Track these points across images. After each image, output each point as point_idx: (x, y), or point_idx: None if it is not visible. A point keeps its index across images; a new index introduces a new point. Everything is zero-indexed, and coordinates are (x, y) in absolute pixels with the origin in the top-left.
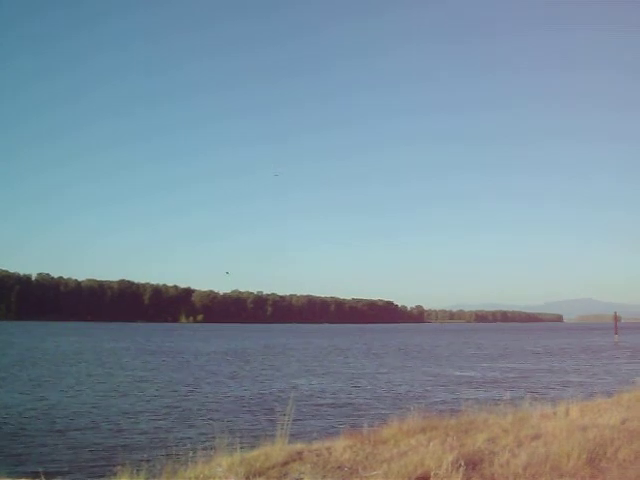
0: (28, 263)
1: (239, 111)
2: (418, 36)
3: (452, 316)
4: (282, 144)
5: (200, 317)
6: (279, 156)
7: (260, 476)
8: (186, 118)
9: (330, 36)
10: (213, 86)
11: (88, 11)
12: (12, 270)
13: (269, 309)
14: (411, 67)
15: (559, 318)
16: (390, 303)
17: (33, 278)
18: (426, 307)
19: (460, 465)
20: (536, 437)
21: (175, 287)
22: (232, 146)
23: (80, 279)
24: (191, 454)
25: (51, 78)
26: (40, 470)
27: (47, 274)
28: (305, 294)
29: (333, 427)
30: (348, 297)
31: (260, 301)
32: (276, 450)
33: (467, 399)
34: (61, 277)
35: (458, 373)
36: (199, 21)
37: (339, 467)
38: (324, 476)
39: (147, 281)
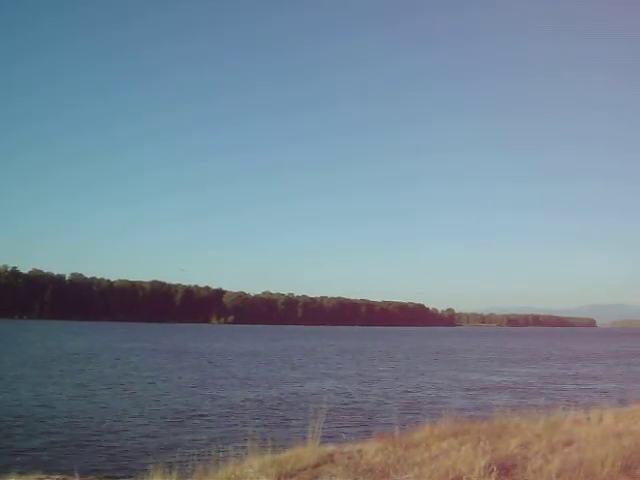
0: (62, 263)
1: (272, 111)
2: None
3: (483, 319)
4: (313, 145)
5: (231, 318)
6: (313, 157)
7: (291, 478)
8: (229, 114)
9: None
10: (230, 88)
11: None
12: (46, 270)
13: (300, 311)
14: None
15: (592, 322)
16: (421, 306)
17: (66, 278)
18: (457, 310)
19: (492, 470)
20: (569, 443)
21: (206, 288)
22: (264, 147)
23: (112, 279)
24: (222, 455)
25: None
26: (74, 468)
27: (80, 274)
28: (336, 296)
29: (364, 429)
30: (379, 299)
31: (291, 303)
32: (307, 452)
33: (498, 404)
34: (94, 277)
35: (488, 377)
36: (195, 26)
37: (370, 470)
38: (355, 479)
39: (179, 282)
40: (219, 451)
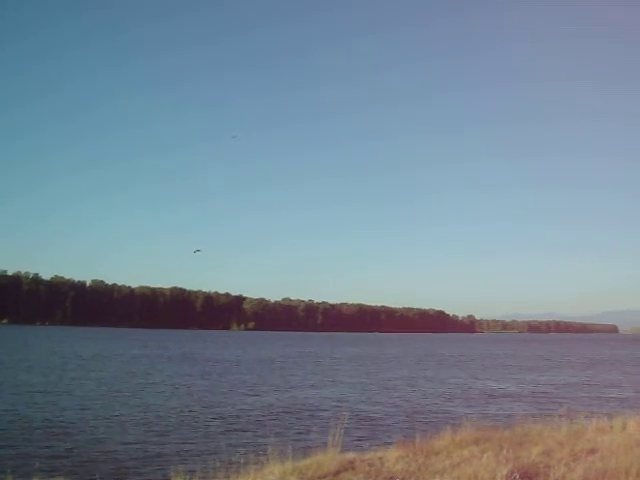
0: (82, 269)
1: (288, 118)
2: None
3: (504, 326)
4: (333, 151)
5: (251, 325)
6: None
7: None
8: (244, 121)
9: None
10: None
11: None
12: (67, 276)
13: (320, 317)
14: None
15: (614, 329)
16: (441, 312)
17: (88, 284)
18: (478, 317)
19: (515, 478)
20: (592, 451)
21: (227, 295)
22: (287, 154)
23: (133, 286)
24: (243, 461)
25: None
26: (96, 475)
27: (101, 281)
28: (356, 303)
29: (385, 436)
30: (399, 306)
31: (311, 309)
32: (328, 459)
33: (519, 411)
34: (115, 284)
35: (508, 385)
36: (197, 37)
37: (391, 478)
38: None
39: (199, 288)
40: (240, 457)
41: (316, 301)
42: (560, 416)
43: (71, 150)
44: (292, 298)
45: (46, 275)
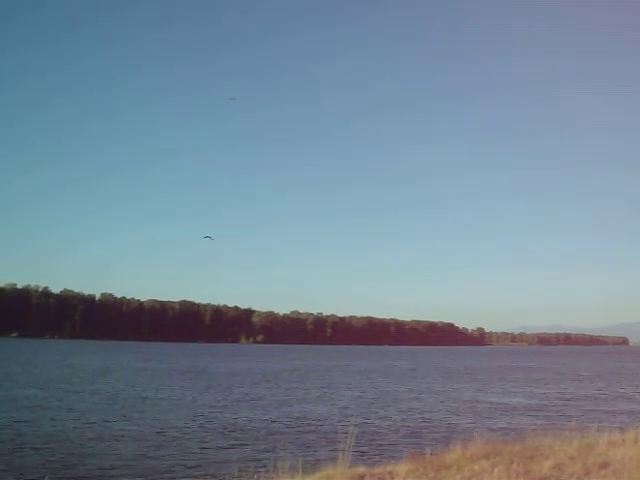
0: (92, 283)
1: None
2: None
3: (514, 339)
4: (340, 164)
5: (260, 338)
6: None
7: None
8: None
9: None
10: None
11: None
12: (77, 290)
13: (329, 330)
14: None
15: (624, 341)
16: (451, 325)
17: (97, 298)
18: (487, 329)
19: None
20: (604, 465)
21: (235, 308)
22: (292, 166)
23: (142, 299)
24: (255, 477)
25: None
26: None
27: (110, 294)
28: (365, 315)
29: (394, 450)
30: (408, 319)
31: (320, 322)
32: (338, 473)
33: (530, 425)
34: (124, 297)
35: (517, 398)
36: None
37: None
38: None
39: (208, 302)
40: (250, 471)
41: (325, 314)
42: (571, 429)
43: (82, 158)
44: (301, 311)
45: (55, 288)
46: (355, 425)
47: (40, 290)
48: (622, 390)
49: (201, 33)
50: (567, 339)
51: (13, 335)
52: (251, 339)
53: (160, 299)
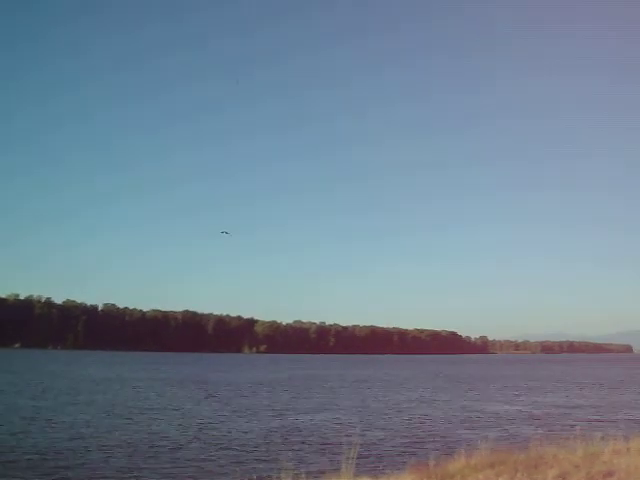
0: (95, 293)
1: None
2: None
3: (517, 347)
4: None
5: (263, 347)
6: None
7: None
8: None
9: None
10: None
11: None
12: (79, 300)
13: (332, 340)
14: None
15: (628, 349)
16: (454, 334)
17: (99, 308)
18: (490, 337)
19: None
20: (609, 474)
21: (238, 317)
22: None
23: (145, 309)
24: None
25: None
26: None
27: (113, 304)
28: (368, 324)
29: (398, 460)
30: (411, 327)
31: (323, 331)
32: None
33: (535, 433)
34: (126, 307)
35: (520, 407)
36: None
37: None
38: None
39: (211, 312)
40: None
41: (328, 323)
42: (575, 438)
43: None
44: (304, 320)
45: (58, 299)
46: (359, 435)
47: (43, 300)
48: (626, 398)
49: (187, 29)
50: (571, 347)
51: (16, 346)
52: (254, 349)
53: (162, 309)
